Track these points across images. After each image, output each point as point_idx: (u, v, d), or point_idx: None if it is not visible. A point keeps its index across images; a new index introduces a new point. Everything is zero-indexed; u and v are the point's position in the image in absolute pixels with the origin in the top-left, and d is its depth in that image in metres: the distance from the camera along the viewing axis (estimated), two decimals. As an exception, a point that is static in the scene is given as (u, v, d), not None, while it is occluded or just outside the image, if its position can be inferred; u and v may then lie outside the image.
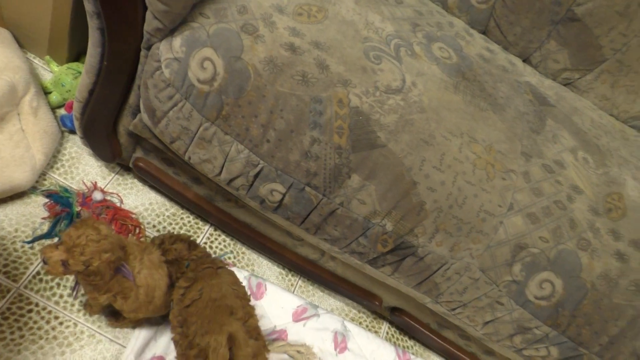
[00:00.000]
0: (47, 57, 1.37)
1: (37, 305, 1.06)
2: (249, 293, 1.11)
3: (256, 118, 0.95)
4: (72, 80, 1.30)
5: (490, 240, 1.05)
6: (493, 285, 1.09)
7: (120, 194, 1.28)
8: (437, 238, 1.04)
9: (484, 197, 1.04)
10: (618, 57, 1.48)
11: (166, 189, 1.26)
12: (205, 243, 1.34)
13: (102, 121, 1.12)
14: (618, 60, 1.48)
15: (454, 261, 1.07)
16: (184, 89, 0.93)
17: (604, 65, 1.50)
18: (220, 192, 1.23)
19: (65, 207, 1.17)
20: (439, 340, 1.40)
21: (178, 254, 1.09)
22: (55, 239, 1.14)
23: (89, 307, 1.05)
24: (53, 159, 1.25)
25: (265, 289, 1.30)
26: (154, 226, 1.29)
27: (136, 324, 1.10)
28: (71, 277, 1.12)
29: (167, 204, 1.34)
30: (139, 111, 1.06)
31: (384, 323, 1.49)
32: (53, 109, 1.32)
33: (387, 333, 1.47)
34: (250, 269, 1.36)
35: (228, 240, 1.37)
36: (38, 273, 1.09)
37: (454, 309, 1.17)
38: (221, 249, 1.34)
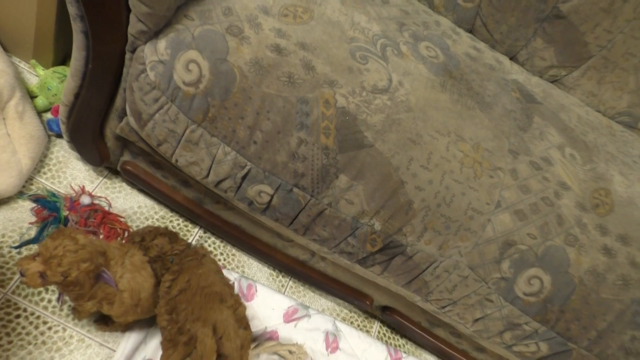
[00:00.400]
0: (33, 61, 1.36)
1: (25, 310, 1.06)
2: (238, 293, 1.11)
3: (243, 120, 0.95)
4: (58, 84, 1.30)
5: (478, 238, 1.06)
6: (482, 283, 1.09)
7: (108, 198, 1.28)
8: (425, 237, 1.05)
9: (471, 195, 1.04)
10: (604, 53, 1.49)
11: (155, 192, 1.26)
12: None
13: (89, 125, 1.12)
14: (604, 56, 1.49)
15: (443, 259, 1.08)
16: (170, 91, 0.93)
17: (590, 62, 1.51)
18: (209, 194, 1.23)
19: (52, 212, 1.16)
20: (431, 339, 1.40)
21: (160, 250, 1.08)
22: (43, 244, 1.13)
23: (77, 313, 1.04)
24: (40, 163, 1.25)
25: (256, 291, 1.30)
26: (143, 229, 1.28)
27: (126, 327, 1.10)
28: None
29: (156, 207, 1.34)
30: (126, 114, 1.05)
31: (375, 322, 1.50)
32: (39, 113, 1.31)
33: (379, 332, 1.48)
34: (241, 270, 1.36)
35: (218, 242, 1.37)
36: (26, 278, 1.09)
37: (444, 307, 1.17)
38: (211, 251, 1.34)
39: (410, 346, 1.49)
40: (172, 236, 1.13)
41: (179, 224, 1.34)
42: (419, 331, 1.39)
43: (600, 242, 1.11)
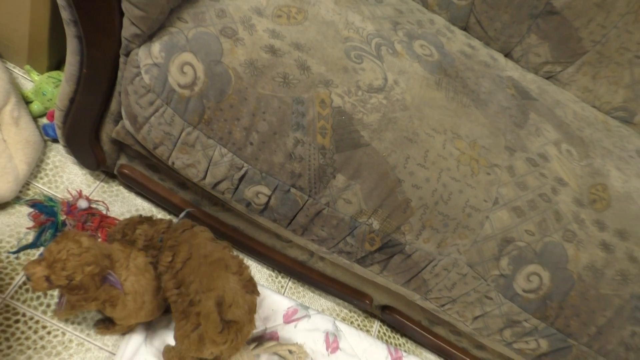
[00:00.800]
0: (27, 66, 1.36)
1: (24, 315, 1.05)
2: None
3: (238, 121, 0.95)
4: (53, 89, 1.29)
5: (476, 235, 1.06)
6: (481, 280, 1.09)
7: (105, 202, 1.27)
8: (424, 235, 1.05)
9: (469, 193, 1.04)
10: (598, 48, 1.49)
11: (152, 195, 1.26)
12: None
13: (85, 129, 1.11)
14: (598, 51, 1.49)
15: (442, 257, 1.08)
16: (165, 94, 0.93)
17: (585, 57, 1.51)
18: (207, 196, 1.23)
19: (50, 217, 1.16)
20: (431, 337, 1.40)
21: (146, 237, 1.06)
22: (41, 249, 1.13)
23: (59, 313, 1.03)
24: (36, 168, 1.24)
25: (255, 292, 1.30)
26: (141, 233, 1.28)
27: (126, 330, 1.09)
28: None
29: (154, 210, 1.34)
30: (121, 118, 1.05)
31: (375, 322, 1.50)
32: (35, 118, 1.31)
33: (379, 331, 1.48)
34: (240, 272, 1.35)
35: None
36: (24, 283, 1.08)
37: (443, 305, 1.17)
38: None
39: (410, 345, 1.49)
40: (149, 221, 1.10)
41: (177, 227, 1.34)
42: (419, 330, 1.39)
43: (598, 237, 1.11)
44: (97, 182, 1.30)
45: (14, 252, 1.11)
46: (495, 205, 1.06)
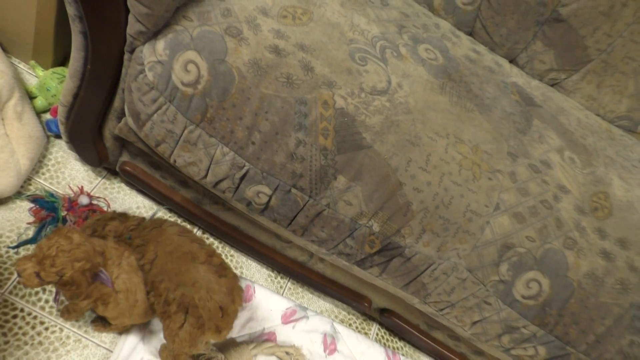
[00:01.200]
0: (32, 61, 1.36)
1: (22, 310, 1.05)
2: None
3: (241, 120, 0.95)
4: (57, 84, 1.30)
5: (477, 240, 1.05)
6: (480, 285, 1.09)
7: (107, 198, 1.27)
8: (424, 238, 1.05)
9: (470, 197, 1.04)
10: (603, 57, 1.49)
11: (153, 193, 1.26)
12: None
13: (88, 125, 1.12)
14: (603, 60, 1.49)
15: (441, 261, 1.08)
16: (168, 92, 0.93)
17: (590, 66, 1.51)
18: (208, 195, 1.23)
19: (50, 212, 1.16)
20: (429, 341, 1.40)
21: (115, 234, 1.05)
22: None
23: (67, 314, 1.03)
24: (38, 163, 1.25)
25: (254, 292, 1.30)
26: (142, 230, 1.28)
27: (122, 330, 1.09)
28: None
29: (155, 207, 1.34)
30: (124, 115, 1.06)
31: (374, 324, 1.49)
32: (38, 113, 1.31)
33: (377, 334, 1.47)
34: (239, 271, 1.35)
35: (216, 243, 1.37)
36: (23, 278, 1.08)
37: (442, 309, 1.17)
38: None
39: (408, 349, 1.49)
40: (121, 217, 1.10)
41: (177, 225, 1.34)
42: (417, 334, 1.39)
43: (599, 245, 1.11)
44: (99, 179, 1.30)
45: (13, 247, 1.11)
46: (496, 211, 1.06)
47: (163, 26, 0.92)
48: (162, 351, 1.06)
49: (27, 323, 1.05)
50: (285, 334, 1.28)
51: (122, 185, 1.33)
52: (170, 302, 0.95)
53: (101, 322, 1.09)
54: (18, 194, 1.17)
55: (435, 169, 1.02)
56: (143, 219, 1.10)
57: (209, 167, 1.02)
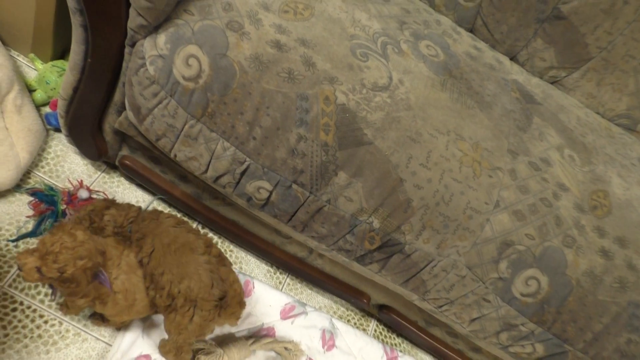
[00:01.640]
0: (32, 54, 1.36)
1: (21, 304, 1.05)
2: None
3: (242, 115, 0.95)
4: (56, 78, 1.29)
5: (476, 238, 1.05)
6: (479, 283, 1.09)
7: (106, 192, 1.27)
8: (424, 235, 1.05)
9: (470, 195, 1.04)
10: (604, 55, 1.49)
11: (153, 187, 1.26)
12: (193, 241, 1.33)
13: (87, 119, 1.11)
14: (604, 58, 1.49)
15: (441, 258, 1.08)
16: (169, 86, 0.93)
17: (590, 64, 1.51)
18: (208, 190, 1.23)
19: (50, 206, 1.16)
20: (427, 338, 1.40)
21: (115, 224, 1.03)
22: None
23: (65, 308, 1.03)
24: (38, 157, 1.24)
25: (253, 287, 1.30)
26: (141, 224, 1.28)
27: (120, 326, 1.09)
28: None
29: (154, 202, 1.33)
30: (124, 109, 1.05)
31: (372, 321, 1.50)
32: (38, 106, 1.30)
33: (375, 331, 1.48)
34: (238, 266, 1.36)
35: (216, 238, 1.37)
36: (22, 272, 1.08)
37: (441, 306, 1.17)
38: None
39: (406, 345, 1.49)
40: (115, 205, 1.07)
41: (176, 220, 1.34)
42: (416, 330, 1.39)
43: (598, 244, 1.11)
44: (99, 173, 1.30)
45: (13, 241, 1.11)
46: (496, 208, 1.06)
47: (164, 20, 0.91)
48: (163, 346, 1.06)
49: (27, 316, 1.05)
50: (284, 330, 1.28)
51: (122, 179, 1.33)
52: (175, 295, 0.95)
53: (100, 317, 1.09)
54: (17, 187, 1.17)
55: (435, 166, 1.02)
56: (140, 208, 1.09)
57: (210, 162, 1.02)
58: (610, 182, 1.24)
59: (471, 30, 1.50)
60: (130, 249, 1.00)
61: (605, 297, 1.09)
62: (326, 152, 0.97)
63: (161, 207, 1.33)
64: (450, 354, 1.41)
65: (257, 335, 1.23)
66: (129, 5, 0.88)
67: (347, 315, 1.46)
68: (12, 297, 1.05)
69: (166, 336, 1.06)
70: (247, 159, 0.99)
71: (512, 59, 1.53)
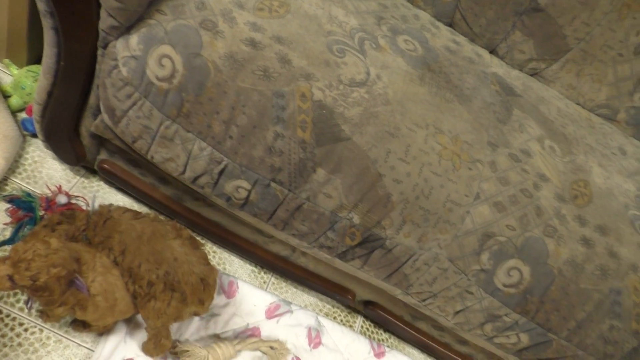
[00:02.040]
0: (6, 60, 1.34)
1: (0, 312, 1.04)
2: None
3: (218, 114, 0.94)
4: (32, 83, 1.27)
5: (457, 230, 1.06)
6: (462, 275, 1.09)
7: (86, 197, 1.26)
8: (404, 229, 1.05)
9: (450, 187, 1.04)
10: (582, 46, 1.50)
11: (133, 191, 1.25)
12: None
13: (63, 123, 1.10)
14: (582, 49, 1.50)
15: (423, 252, 1.08)
16: (143, 87, 0.92)
17: (569, 55, 1.52)
18: (188, 191, 1.22)
19: (28, 212, 1.14)
20: (413, 332, 1.40)
21: (67, 237, 0.99)
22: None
23: (45, 316, 1.01)
24: (15, 163, 1.23)
25: (237, 287, 1.29)
26: (122, 228, 1.27)
27: (103, 330, 1.08)
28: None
29: (135, 205, 1.32)
30: (100, 112, 1.04)
31: (358, 317, 1.49)
32: (14, 112, 1.29)
33: (362, 327, 1.47)
34: (222, 267, 1.35)
35: (198, 239, 1.36)
36: None
37: (424, 300, 1.17)
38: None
39: (393, 340, 1.49)
40: (68, 218, 1.03)
41: (158, 222, 1.33)
42: (402, 325, 1.39)
43: (579, 232, 1.12)
44: (77, 178, 1.29)
45: (-10, 248, 1.09)
46: (476, 200, 1.06)
47: (136, 20, 0.91)
48: (145, 344, 1.06)
49: (6, 325, 1.03)
50: (270, 329, 1.27)
51: (102, 183, 1.31)
52: (154, 282, 0.95)
53: (81, 323, 1.07)
54: (-6, 194, 1.16)
55: (414, 160, 1.02)
56: (87, 213, 1.06)
57: (187, 162, 1.01)
58: (590, 172, 1.25)
59: (450, 25, 1.50)
60: (101, 252, 0.99)
61: (587, 285, 1.10)
62: (304, 149, 0.97)
63: (142, 210, 1.32)
64: (437, 347, 1.41)
65: (242, 336, 1.22)
66: (99, 6, 0.87)
67: (333, 312, 1.46)
68: (-9, 305, 1.04)
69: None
70: (225, 158, 0.99)
71: (492, 52, 1.53)
